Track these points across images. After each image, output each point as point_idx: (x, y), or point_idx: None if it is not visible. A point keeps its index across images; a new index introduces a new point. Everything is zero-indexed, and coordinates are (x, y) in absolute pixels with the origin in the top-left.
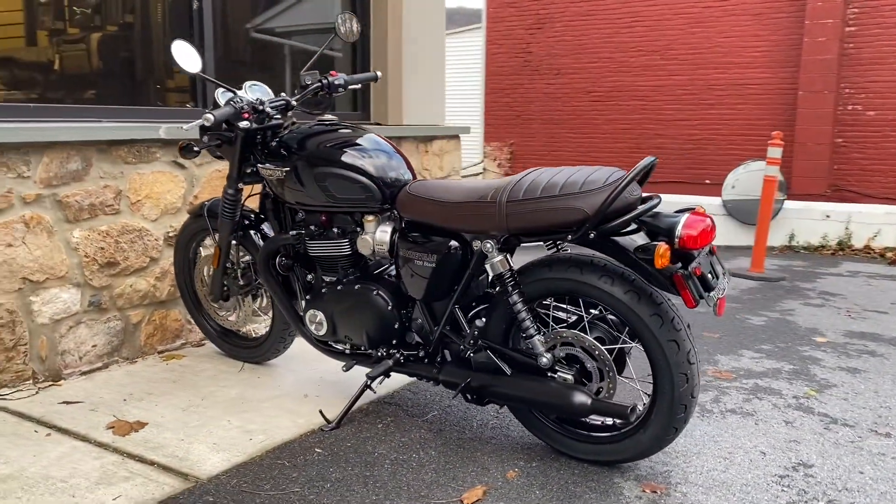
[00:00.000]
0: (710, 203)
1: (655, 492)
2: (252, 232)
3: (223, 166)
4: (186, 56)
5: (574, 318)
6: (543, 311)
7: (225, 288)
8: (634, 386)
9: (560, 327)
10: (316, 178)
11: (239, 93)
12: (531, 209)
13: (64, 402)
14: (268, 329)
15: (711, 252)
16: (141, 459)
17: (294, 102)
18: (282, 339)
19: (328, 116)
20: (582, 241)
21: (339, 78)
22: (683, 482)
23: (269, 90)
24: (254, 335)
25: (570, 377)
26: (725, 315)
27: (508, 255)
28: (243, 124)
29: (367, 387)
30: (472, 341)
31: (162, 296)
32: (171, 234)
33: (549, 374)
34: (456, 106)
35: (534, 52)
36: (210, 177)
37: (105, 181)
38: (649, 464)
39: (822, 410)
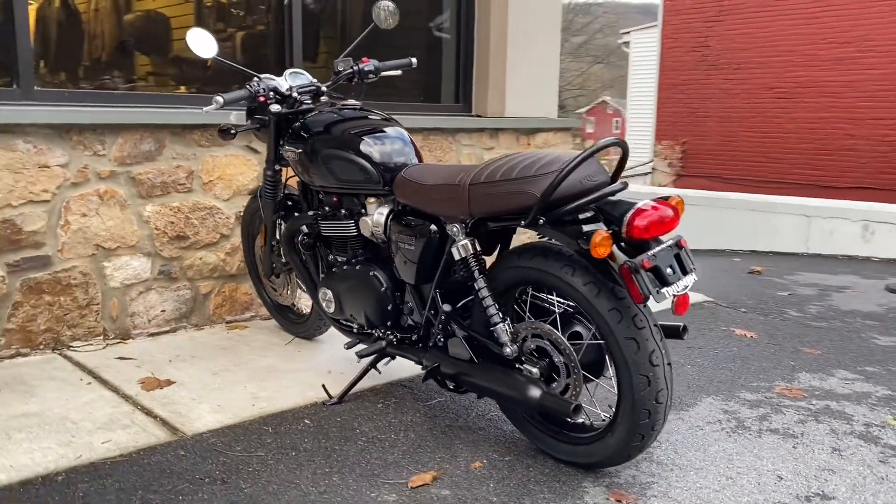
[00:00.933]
0: None
1: (620, 501)
2: (294, 212)
3: None
4: (202, 42)
5: (562, 310)
6: (533, 300)
7: (273, 265)
8: (608, 387)
9: (541, 320)
10: (322, 160)
11: (278, 79)
12: (489, 193)
13: (119, 358)
14: (310, 306)
15: (679, 245)
16: (148, 412)
17: (324, 88)
18: (320, 317)
19: (350, 102)
20: (534, 228)
21: (369, 64)
22: (661, 496)
23: (310, 77)
24: (303, 311)
25: (535, 370)
26: (846, 331)
27: (475, 240)
28: (274, 108)
29: (371, 366)
30: (440, 326)
31: (232, 270)
32: (241, 214)
33: (515, 366)
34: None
35: (711, 45)
36: None
37: (178, 161)
38: (633, 472)
39: (891, 442)
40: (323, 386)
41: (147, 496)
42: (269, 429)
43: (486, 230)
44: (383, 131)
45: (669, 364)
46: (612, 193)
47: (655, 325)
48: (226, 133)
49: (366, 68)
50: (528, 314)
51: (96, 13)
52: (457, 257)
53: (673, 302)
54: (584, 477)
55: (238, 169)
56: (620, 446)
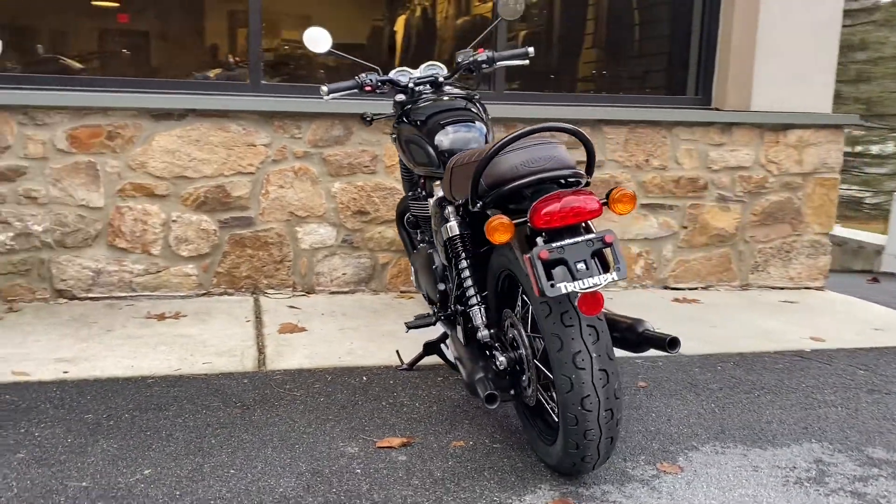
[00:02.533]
0: None
1: None
2: None
3: None
4: (317, 39)
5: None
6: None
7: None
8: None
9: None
10: (406, 144)
11: (413, 71)
12: (457, 175)
13: (290, 306)
14: None
15: (603, 241)
16: (260, 349)
17: (441, 79)
18: None
19: (455, 91)
20: (469, 213)
21: (482, 55)
22: None
23: (444, 68)
24: None
25: (501, 358)
26: None
27: (464, 222)
28: (398, 97)
29: (439, 341)
30: (451, 305)
31: None
32: None
33: (488, 352)
34: None
35: None
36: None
37: (363, 146)
38: (608, 487)
39: None
40: (397, 352)
41: (182, 405)
42: (328, 377)
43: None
44: (460, 120)
45: (604, 371)
46: (531, 181)
47: (593, 327)
48: (363, 120)
49: (479, 59)
50: (518, 302)
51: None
52: (444, 238)
53: (576, 300)
54: (544, 479)
55: None
56: (562, 453)
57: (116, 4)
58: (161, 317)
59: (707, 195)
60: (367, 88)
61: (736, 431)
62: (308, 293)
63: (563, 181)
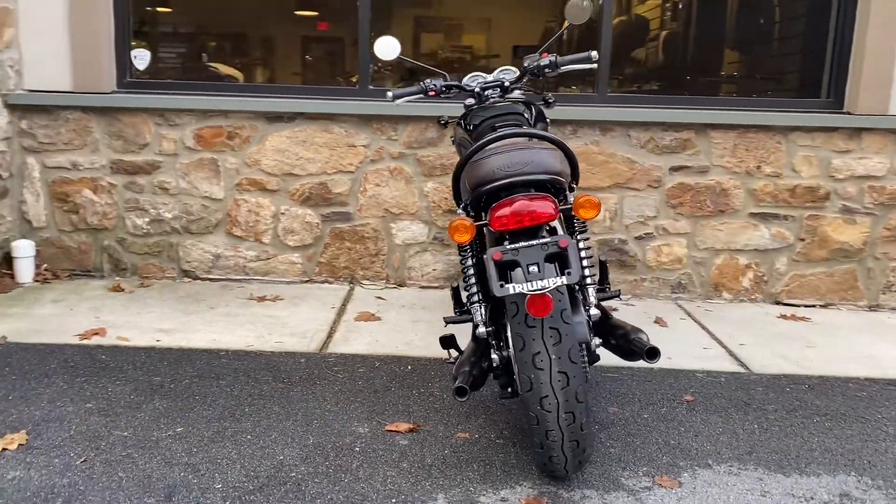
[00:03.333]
0: None
1: None
2: None
3: (574, 144)
4: (386, 48)
5: None
6: None
7: None
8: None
9: None
10: (458, 146)
11: (488, 76)
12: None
13: (377, 297)
14: None
15: (558, 246)
16: (330, 333)
17: (507, 84)
18: None
19: (514, 95)
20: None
21: (545, 59)
22: None
23: (516, 72)
24: None
25: (494, 356)
26: None
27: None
28: (468, 101)
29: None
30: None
31: None
32: None
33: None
34: None
35: None
36: None
37: (454, 147)
38: (590, 493)
39: None
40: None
41: (237, 376)
42: (376, 364)
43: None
44: (505, 125)
45: (564, 374)
46: (494, 186)
47: (555, 329)
48: (440, 123)
49: (542, 63)
50: None
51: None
52: None
53: (524, 301)
54: (529, 478)
55: None
56: (534, 453)
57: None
58: (261, 299)
59: (828, 206)
60: (431, 93)
61: (766, 455)
62: (399, 286)
63: (549, 186)
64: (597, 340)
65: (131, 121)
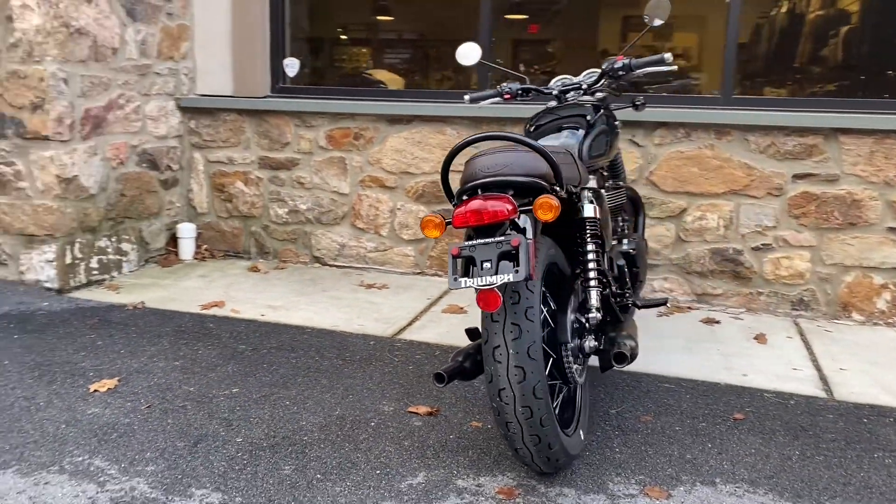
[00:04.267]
0: None
1: (505, 495)
2: None
3: (685, 147)
4: (467, 53)
5: None
6: None
7: None
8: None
9: None
10: None
11: (574, 79)
12: None
13: None
14: None
15: (511, 244)
16: (411, 321)
17: (584, 86)
18: None
19: (585, 99)
20: None
21: (619, 62)
22: None
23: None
24: None
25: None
26: None
27: None
28: (551, 104)
29: None
30: None
31: None
32: None
33: None
34: None
35: None
36: (669, 156)
37: None
38: (568, 491)
39: None
40: None
41: (308, 350)
42: (436, 352)
43: None
44: (562, 128)
45: (521, 369)
46: (470, 187)
47: (517, 325)
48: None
49: (616, 65)
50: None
51: None
52: None
53: (476, 295)
54: (515, 469)
55: None
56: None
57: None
58: (369, 286)
59: None
60: (507, 96)
61: (788, 482)
62: None
63: (537, 187)
64: (591, 344)
65: (276, 122)
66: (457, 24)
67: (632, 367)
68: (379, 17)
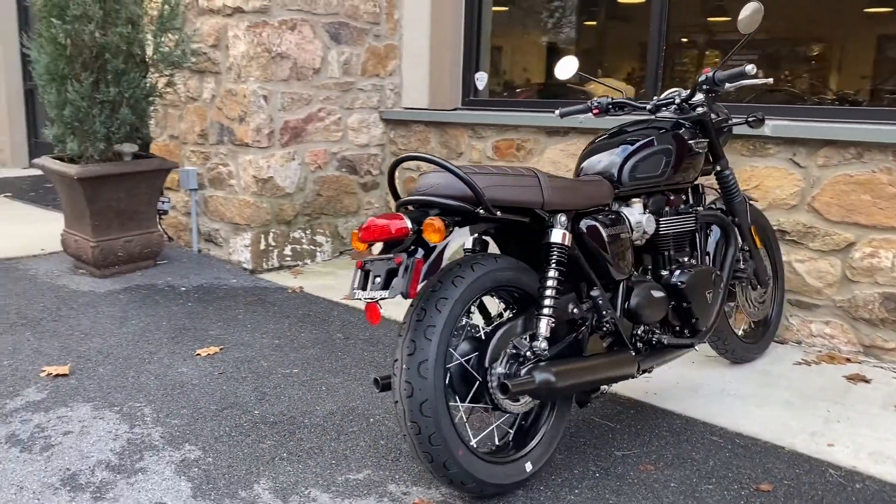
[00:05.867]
0: None
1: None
2: None
3: (855, 170)
4: (564, 68)
5: None
6: None
7: None
8: None
9: None
10: None
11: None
12: None
13: None
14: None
15: (394, 262)
16: None
17: (678, 100)
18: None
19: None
20: None
21: (703, 76)
22: None
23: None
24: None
25: None
26: None
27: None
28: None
29: None
30: None
31: None
32: (775, 227)
33: None
34: None
35: None
36: (834, 180)
37: None
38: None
39: None
40: None
41: (387, 343)
42: None
43: None
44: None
45: (409, 384)
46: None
47: (414, 341)
48: None
49: (700, 79)
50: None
51: None
52: None
53: (365, 305)
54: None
55: (777, 181)
56: None
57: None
58: None
59: None
60: (595, 111)
61: None
62: None
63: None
64: (500, 371)
65: (454, 133)
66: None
67: (695, 413)
68: (578, 27)
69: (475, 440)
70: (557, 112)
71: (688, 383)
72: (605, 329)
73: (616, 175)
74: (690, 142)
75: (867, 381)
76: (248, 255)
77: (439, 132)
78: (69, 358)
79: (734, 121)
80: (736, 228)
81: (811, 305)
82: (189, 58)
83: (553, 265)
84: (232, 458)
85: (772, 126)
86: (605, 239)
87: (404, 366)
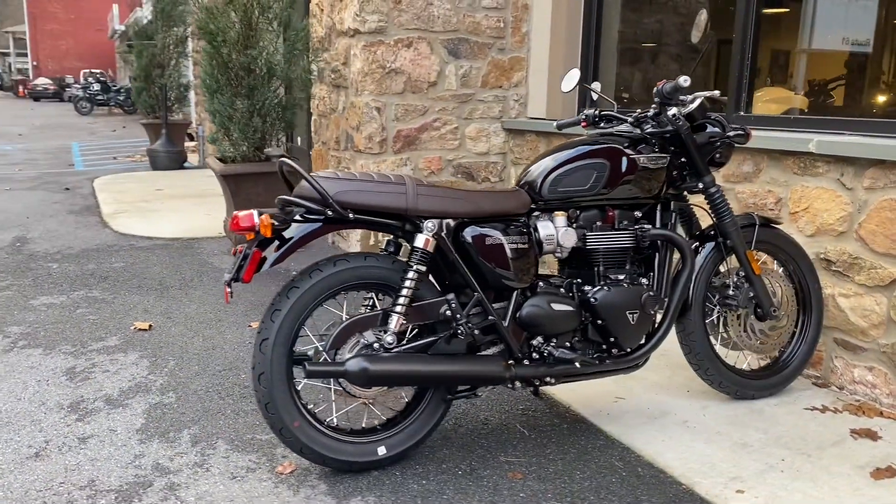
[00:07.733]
0: None
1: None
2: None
3: None
4: (568, 79)
5: None
6: None
7: None
8: None
9: None
10: None
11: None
12: None
13: None
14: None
15: (241, 253)
16: None
17: (650, 115)
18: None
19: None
20: None
21: (656, 88)
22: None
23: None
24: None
25: None
26: None
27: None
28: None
29: None
30: None
31: None
32: (821, 256)
33: None
34: None
35: None
36: (880, 205)
37: (770, 186)
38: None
39: None
40: None
41: None
42: None
43: None
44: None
45: (254, 358)
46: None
47: (262, 322)
48: None
49: (654, 91)
50: None
51: None
52: None
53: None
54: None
55: (825, 204)
56: None
57: None
58: None
59: None
60: (583, 124)
61: None
62: None
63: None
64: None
65: (557, 142)
66: None
67: (627, 438)
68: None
69: (335, 416)
70: (555, 124)
71: (656, 408)
72: (460, 333)
73: (538, 187)
74: (639, 157)
75: (874, 439)
76: (358, 248)
77: (546, 142)
78: (161, 318)
79: (731, 134)
80: (721, 249)
81: (856, 347)
82: (308, 76)
83: (413, 268)
84: (200, 409)
85: (816, 142)
86: (489, 248)
87: (255, 342)
